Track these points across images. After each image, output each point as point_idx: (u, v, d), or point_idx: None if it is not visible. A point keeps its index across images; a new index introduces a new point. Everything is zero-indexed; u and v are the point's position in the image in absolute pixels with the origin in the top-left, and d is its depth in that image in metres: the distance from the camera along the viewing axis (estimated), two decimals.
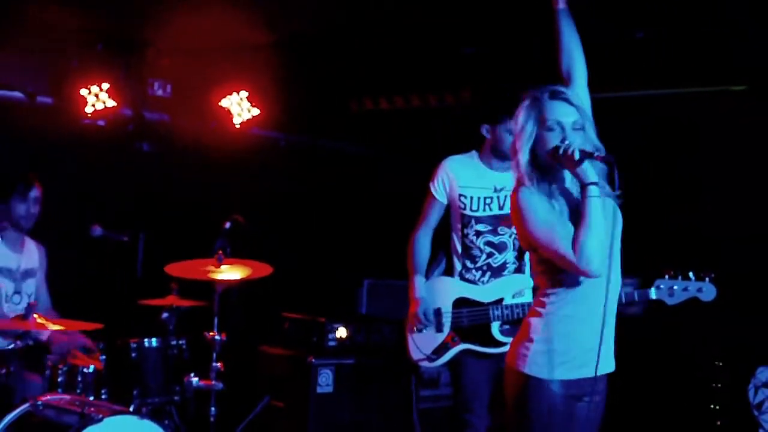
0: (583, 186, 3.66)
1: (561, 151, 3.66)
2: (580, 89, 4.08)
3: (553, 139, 3.71)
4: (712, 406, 6.76)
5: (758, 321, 6.64)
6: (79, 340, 5.88)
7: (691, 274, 4.96)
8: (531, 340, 3.78)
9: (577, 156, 3.62)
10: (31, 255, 6.26)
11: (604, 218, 3.68)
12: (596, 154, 3.65)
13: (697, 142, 7.09)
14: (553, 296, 3.78)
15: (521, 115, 3.81)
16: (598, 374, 3.74)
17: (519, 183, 3.78)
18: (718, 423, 6.73)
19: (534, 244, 3.73)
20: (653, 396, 7.02)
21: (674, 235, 6.90)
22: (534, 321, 3.81)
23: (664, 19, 6.61)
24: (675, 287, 4.96)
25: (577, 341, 3.75)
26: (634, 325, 6.38)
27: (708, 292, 4.95)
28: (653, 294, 4.99)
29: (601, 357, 3.73)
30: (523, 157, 3.76)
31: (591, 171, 3.67)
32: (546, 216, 3.69)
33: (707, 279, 4.95)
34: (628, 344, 6.99)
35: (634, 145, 7.20)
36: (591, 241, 3.61)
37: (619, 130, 7.26)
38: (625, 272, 5.05)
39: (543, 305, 3.80)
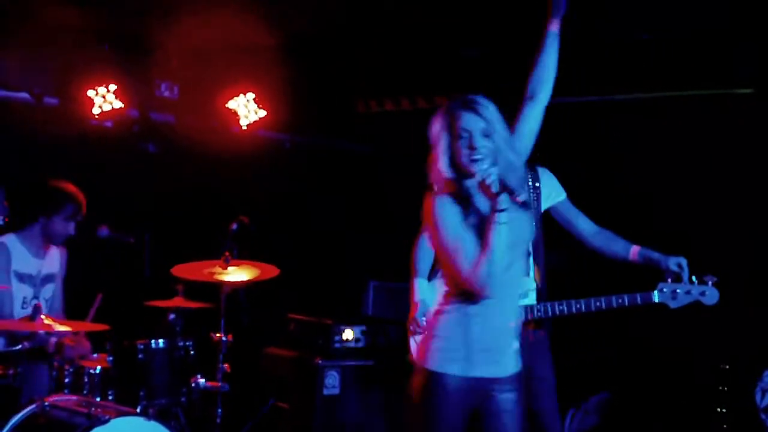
0: (493, 210, 3.85)
1: (480, 179, 3.87)
2: (535, 112, 4.53)
3: (462, 145, 3.90)
4: (718, 410, 6.76)
5: (765, 323, 6.64)
6: (84, 348, 5.89)
7: (693, 278, 5.00)
8: (432, 337, 4.01)
9: (494, 189, 3.83)
10: (53, 260, 6.26)
11: (519, 230, 3.92)
12: (515, 195, 3.84)
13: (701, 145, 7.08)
14: (456, 296, 3.98)
15: (435, 125, 4.01)
16: (502, 375, 4.00)
17: (434, 189, 3.97)
18: (725, 426, 6.72)
19: (438, 252, 3.97)
20: (659, 399, 7.02)
21: (681, 235, 6.89)
22: (436, 318, 4.03)
23: (670, 21, 6.61)
24: (678, 291, 5.00)
25: (476, 340, 3.94)
26: (641, 328, 6.41)
27: (711, 296, 5.00)
28: (656, 297, 5.02)
29: (505, 358, 4.01)
30: (442, 166, 3.94)
31: (505, 200, 3.84)
32: (455, 229, 3.89)
33: (710, 283, 4.99)
34: (634, 347, 7.07)
35: (640, 147, 7.23)
36: (490, 267, 3.82)
37: (622, 133, 7.35)
38: (632, 274, 5.08)
39: (446, 303, 4.01)
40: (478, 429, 4.03)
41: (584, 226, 5.31)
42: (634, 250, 5.17)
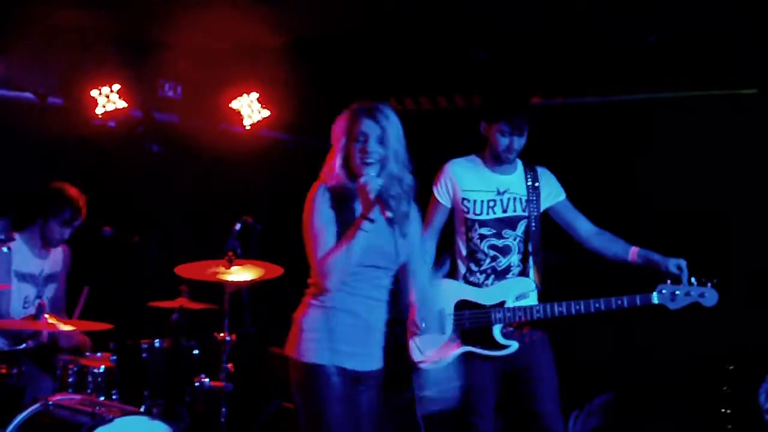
0: (363, 216, 4.04)
1: (363, 182, 4.07)
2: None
3: (356, 148, 4.11)
4: (722, 410, 6.75)
5: None
6: (79, 339, 5.90)
7: (693, 279, 5.00)
8: (298, 328, 4.20)
9: (371, 197, 4.03)
10: (56, 259, 6.27)
11: (379, 243, 4.06)
12: (388, 209, 4.00)
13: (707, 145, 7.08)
14: (318, 289, 4.16)
15: (339, 124, 4.22)
16: (365, 369, 4.23)
17: (322, 178, 4.19)
18: (729, 427, 6.71)
19: (304, 237, 4.16)
20: (663, 400, 7.01)
21: (690, 235, 6.89)
22: (302, 311, 4.21)
23: (676, 23, 6.61)
24: (677, 292, 5.01)
25: (338, 333, 4.11)
26: (646, 329, 6.40)
27: (710, 297, 5.01)
28: (655, 299, 5.02)
29: (367, 354, 4.23)
30: (336, 163, 4.16)
31: (376, 211, 4.03)
32: (324, 217, 4.11)
33: (709, 284, 5.00)
34: (638, 347, 7.05)
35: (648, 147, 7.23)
36: (337, 262, 4.03)
37: (630, 133, 7.35)
38: (634, 276, 5.07)
39: (312, 296, 4.20)
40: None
41: (583, 227, 5.30)
42: (634, 251, 5.16)
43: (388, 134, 4.13)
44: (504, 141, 5.07)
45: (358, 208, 4.16)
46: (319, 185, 4.18)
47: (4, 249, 5.69)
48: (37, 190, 6.19)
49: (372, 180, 4.06)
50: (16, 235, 6.03)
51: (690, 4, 6.22)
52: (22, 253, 6.03)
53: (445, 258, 5.37)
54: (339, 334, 4.11)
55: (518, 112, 5.10)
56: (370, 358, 4.28)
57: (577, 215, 5.31)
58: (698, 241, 6.81)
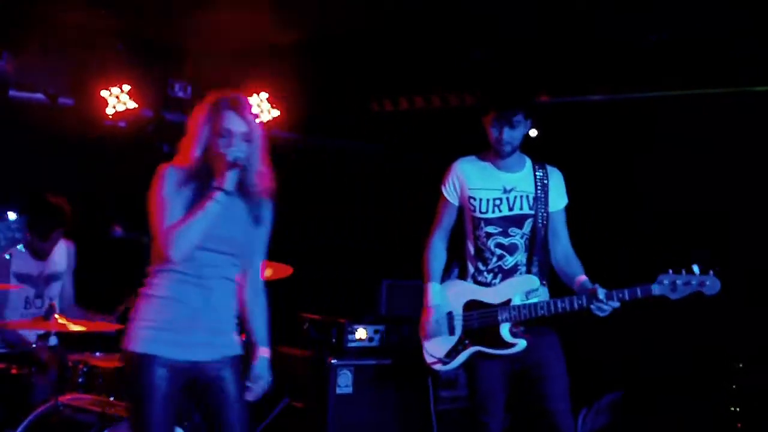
0: (217, 188, 3.94)
1: (221, 149, 3.96)
2: None
3: (221, 144, 3.99)
4: (732, 408, 6.74)
5: None
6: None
7: (695, 267, 4.81)
8: (134, 319, 4.02)
9: (230, 159, 3.94)
10: (58, 258, 6.29)
11: (228, 219, 4.00)
12: (245, 186, 4.02)
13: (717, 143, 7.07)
14: (156, 279, 4.04)
15: (199, 115, 4.08)
16: (210, 359, 4.04)
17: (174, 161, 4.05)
18: (739, 425, 6.70)
19: (149, 214, 4.01)
20: (672, 398, 7.00)
21: (689, 234, 6.89)
22: (139, 301, 4.05)
23: (676, 22, 6.61)
24: (678, 282, 4.82)
25: (168, 322, 3.96)
26: (654, 326, 6.40)
27: (711, 285, 4.80)
28: (655, 290, 4.84)
29: (203, 342, 4.02)
30: (195, 154, 4.01)
31: (231, 181, 3.96)
32: (171, 191, 3.97)
33: (711, 272, 4.80)
34: (646, 345, 7.05)
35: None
36: (186, 232, 3.89)
37: (637, 131, 7.35)
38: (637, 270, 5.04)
39: (147, 286, 4.06)
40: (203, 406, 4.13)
41: (560, 246, 5.23)
42: (579, 280, 5.10)
43: (253, 131, 4.06)
44: (494, 132, 5.04)
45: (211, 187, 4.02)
46: (167, 166, 4.04)
47: (6, 256, 5.71)
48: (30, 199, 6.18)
49: (237, 155, 3.97)
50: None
51: (690, 4, 6.21)
52: (19, 255, 6.06)
53: (454, 264, 5.37)
54: (167, 323, 3.97)
55: (507, 103, 5.05)
56: (208, 348, 4.06)
57: (561, 232, 5.23)
58: (697, 240, 6.81)
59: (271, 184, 4.19)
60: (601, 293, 4.85)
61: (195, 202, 3.97)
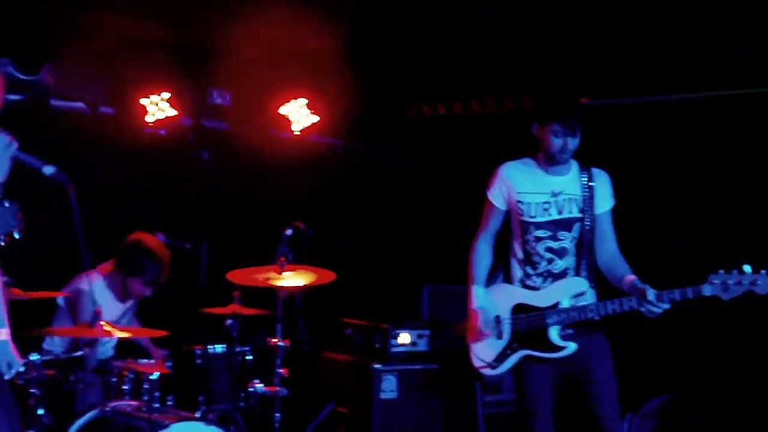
0: None
1: None
2: None
3: None
4: None
5: None
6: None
7: (746, 267, 4.78)
8: None
9: None
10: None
11: None
12: None
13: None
14: None
15: None
16: None
17: None
18: None
19: None
20: (722, 402, 6.92)
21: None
22: None
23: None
24: (729, 282, 4.78)
25: None
26: (703, 327, 6.33)
27: (763, 285, 4.77)
28: (707, 290, 4.81)
29: None
30: None
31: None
32: None
33: (763, 272, 4.77)
34: (696, 346, 6.97)
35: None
36: None
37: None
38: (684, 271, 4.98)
39: None
40: None
41: (607, 249, 5.20)
42: (628, 280, 5.05)
43: None
44: (558, 142, 5.04)
45: None
46: None
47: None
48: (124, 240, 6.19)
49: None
50: (101, 278, 6.11)
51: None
52: (105, 299, 6.09)
53: (499, 268, 5.35)
54: None
55: (570, 112, 5.06)
56: None
57: (608, 234, 5.21)
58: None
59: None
60: (651, 294, 4.81)
61: None
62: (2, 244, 5.84)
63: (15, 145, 3.75)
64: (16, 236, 5.87)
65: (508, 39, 7.10)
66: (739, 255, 4.90)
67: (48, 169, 3.98)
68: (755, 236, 6.79)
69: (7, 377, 4.01)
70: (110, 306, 6.13)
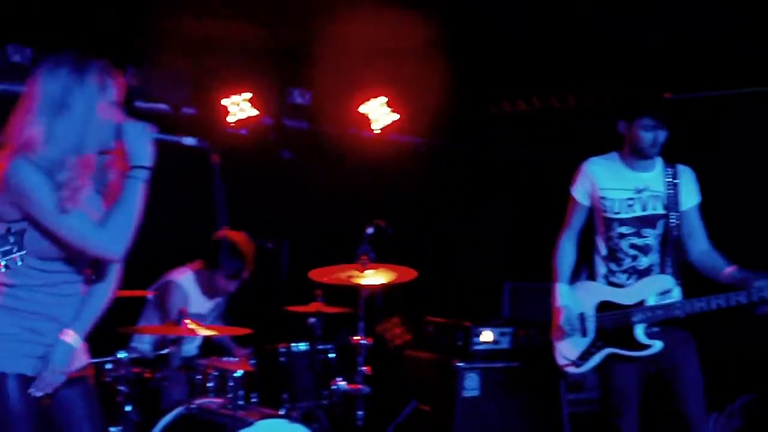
0: (137, 165, 3.59)
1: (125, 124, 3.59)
2: None
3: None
4: None
5: None
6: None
7: None
8: None
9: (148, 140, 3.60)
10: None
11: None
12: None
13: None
14: (13, 287, 3.51)
15: (44, 86, 3.48)
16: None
17: (16, 151, 3.42)
18: None
19: (44, 226, 3.43)
20: None
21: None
22: None
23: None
24: None
25: (37, 334, 3.55)
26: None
27: None
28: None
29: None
30: (39, 128, 3.43)
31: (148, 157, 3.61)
32: (52, 198, 3.40)
33: None
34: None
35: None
36: (125, 226, 3.52)
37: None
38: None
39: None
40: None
41: (697, 244, 5.12)
42: (727, 272, 4.96)
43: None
44: (649, 136, 4.99)
45: (63, 177, 3.47)
46: (18, 159, 3.40)
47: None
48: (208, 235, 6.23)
49: (135, 126, 3.60)
50: (191, 274, 6.18)
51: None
52: (195, 295, 6.17)
53: (582, 265, 5.30)
54: (29, 336, 3.54)
55: (660, 105, 5.04)
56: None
57: (698, 229, 5.14)
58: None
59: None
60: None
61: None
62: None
63: (151, 129, 3.65)
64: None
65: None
66: None
67: (188, 140, 3.83)
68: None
69: (36, 393, 3.57)
70: (198, 301, 6.20)
